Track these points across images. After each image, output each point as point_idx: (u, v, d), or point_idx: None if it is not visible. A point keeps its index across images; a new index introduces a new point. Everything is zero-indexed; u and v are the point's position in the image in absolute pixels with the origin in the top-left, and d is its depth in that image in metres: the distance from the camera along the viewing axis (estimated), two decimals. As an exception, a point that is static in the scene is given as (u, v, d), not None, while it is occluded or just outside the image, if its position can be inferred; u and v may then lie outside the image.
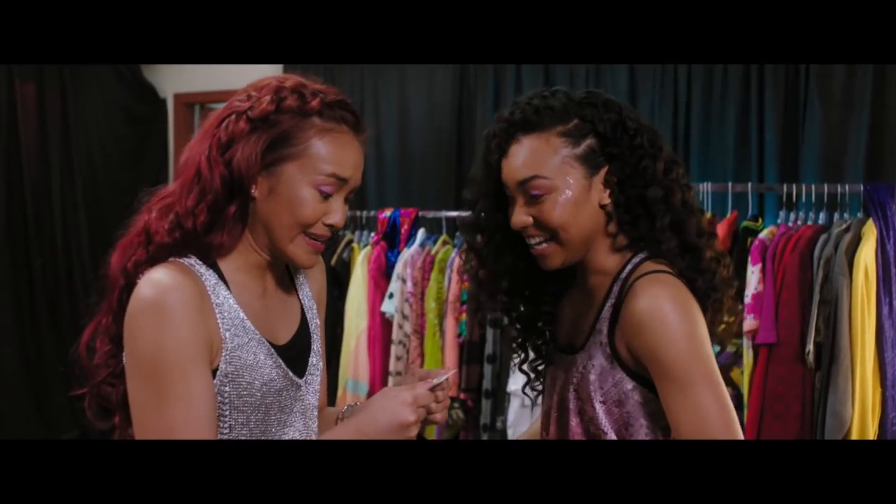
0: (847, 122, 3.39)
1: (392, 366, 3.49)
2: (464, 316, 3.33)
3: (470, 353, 3.31)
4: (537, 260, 1.30)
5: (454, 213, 3.74)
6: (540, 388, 1.47)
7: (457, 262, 3.40)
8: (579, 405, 1.30)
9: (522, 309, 1.43)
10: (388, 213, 3.72)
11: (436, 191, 4.14)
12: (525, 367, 1.49)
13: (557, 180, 1.24)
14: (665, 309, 1.18)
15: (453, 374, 1.21)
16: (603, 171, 1.26)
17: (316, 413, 1.30)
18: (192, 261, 1.14)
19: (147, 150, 5.04)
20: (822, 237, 2.68)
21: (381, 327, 3.58)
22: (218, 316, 1.13)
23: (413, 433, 1.13)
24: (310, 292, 1.34)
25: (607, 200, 1.26)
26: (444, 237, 3.59)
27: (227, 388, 1.13)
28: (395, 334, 3.48)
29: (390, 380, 3.50)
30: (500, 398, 3.20)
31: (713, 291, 1.27)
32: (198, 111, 5.11)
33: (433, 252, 3.50)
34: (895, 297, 2.63)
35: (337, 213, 1.17)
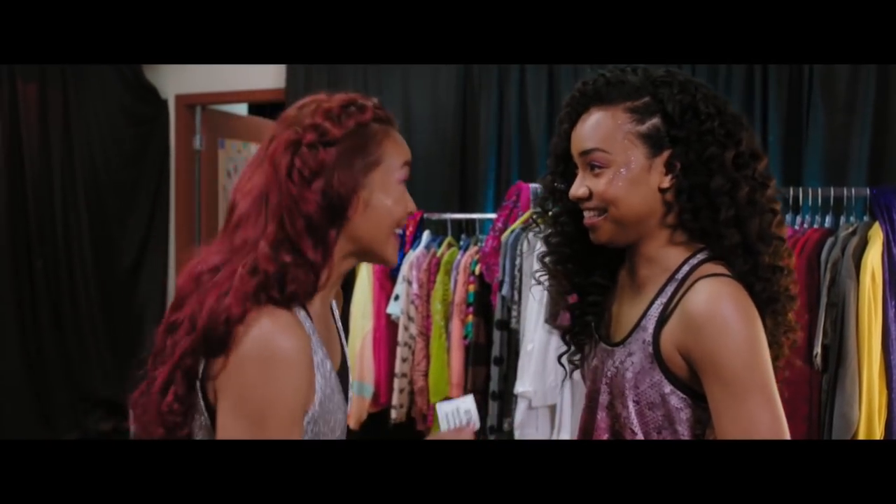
0: (850, 125, 3.40)
1: (398, 367, 3.50)
2: (470, 318, 3.33)
3: (476, 354, 3.31)
4: (588, 232, 1.29)
5: (459, 216, 3.75)
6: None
7: (463, 263, 3.41)
8: (609, 399, 1.29)
9: (569, 293, 1.40)
10: (392, 214, 3.71)
11: (440, 193, 4.14)
12: (564, 359, 1.46)
13: (617, 155, 1.22)
14: (727, 312, 1.14)
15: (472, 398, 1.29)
16: (666, 154, 1.22)
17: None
18: (302, 313, 1.13)
19: (148, 151, 5.03)
20: (829, 240, 2.70)
21: (387, 329, 3.58)
22: (315, 359, 1.12)
23: None
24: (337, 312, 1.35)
25: (668, 184, 1.22)
26: (449, 239, 3.60)
27: (308, 433, 1.13)
28: (401, 336, 3.49)
29: (395, 382, 3.50)
30: (506, 400, 3.21)
31: (773, 301, 1.22)
32: (199, 112, 5.10)
33: (439, 254, 3.51)
34: (901, 300, 2.66)
35: (410, 200, 1.23)
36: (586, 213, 1.28)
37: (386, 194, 1.18)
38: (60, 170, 4.70)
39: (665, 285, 1.25)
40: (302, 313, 1.13)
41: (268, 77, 4.59)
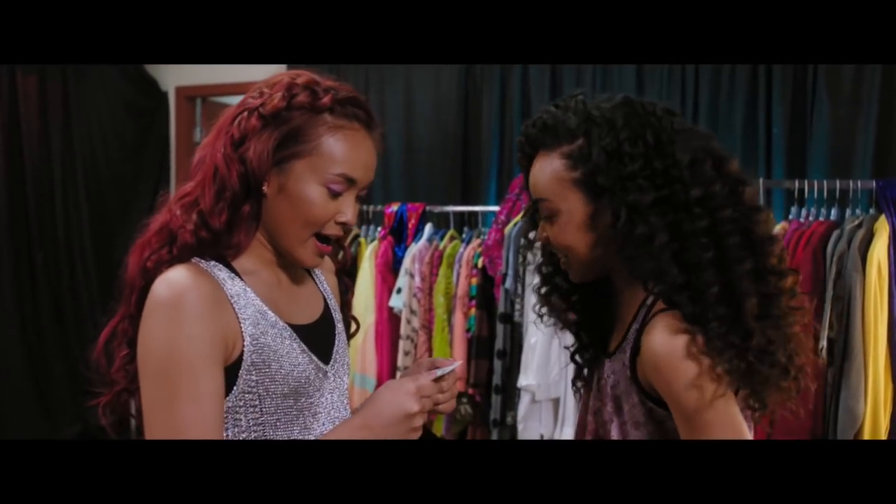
0: (855, 118, 3.38)
1: (400, 360, 3.49)
2: (472, 311, 3.32)
3: (478, 348, 3.30)
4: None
5: (461, 208, 3.74)
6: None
7: (465, 256, 3.39)
8: (597, 405, 1.29)
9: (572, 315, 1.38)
10: (394, 207, 3.71)
11: (442, 185, 4.13)
12: (579, 383, 1.44)
13: (560, 204, 1.20)
14: (674, 350, 1.11)
15: (459, 364, 1.22)
16: (606, 198, 1.17)
17: (346, 402, 1.29)
18: (210, 264, 1.14)
19: (148, 144, 5.01)
20: (835, 233, 2.68)
21: (389, 322, 3.57)
22: (235, 307, 1.12)
23: (418, 423, 1.13)
24: (328, 287, 1.34)
25: (610, 233, 1.17)
26: (451, 232, 3.59)
27: (254, 377, 1.13)
28: (403, 329, 3.47)
29: (398, 375, 3.49)
30: (510, 393, 3.20)
31: (722, 336, 1.11)
32: (199, 104, 5.07)
33: (441, 247, 3.50)
34: (907, 293, 2.65)
35: (348, 211, 1.17)
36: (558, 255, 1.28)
37: (304, 190, 1.13)
38: (60, 163, 4.68)
39: (638, 310, 1.22)
40: (211, 263, 1.13)
41: (269, 68, 4.56)
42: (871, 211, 2.74)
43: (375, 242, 3.66)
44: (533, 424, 3.10)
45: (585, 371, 1.40)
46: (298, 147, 1.13)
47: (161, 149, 5.04)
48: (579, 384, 1.42)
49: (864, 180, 2.85)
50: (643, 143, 1.15)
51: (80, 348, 4.83)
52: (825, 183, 2.85)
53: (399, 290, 3.50)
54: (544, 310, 1.39)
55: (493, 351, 3.26)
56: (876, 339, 2.56)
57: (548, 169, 1.21)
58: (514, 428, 3.17)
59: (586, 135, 1.17)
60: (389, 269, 3.60)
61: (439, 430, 3.44)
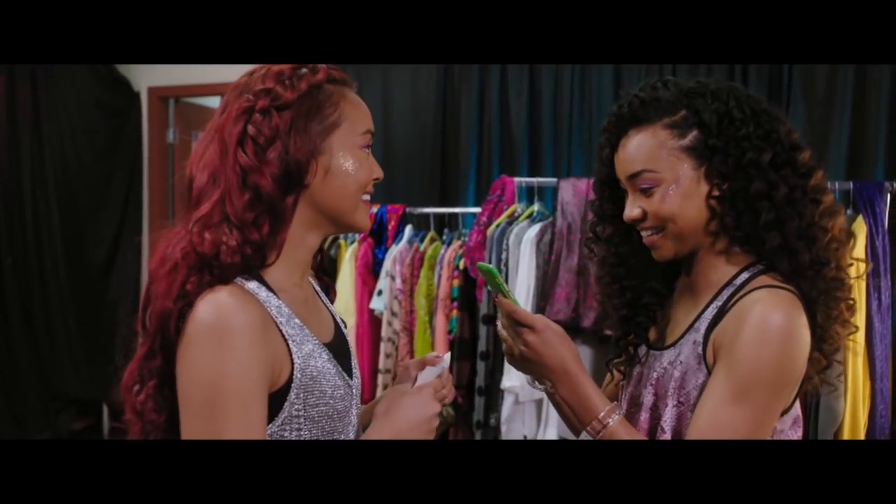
0: (829, 120, 3.44)
1: (381, 363, 3.47)
2: (454, 313, 3.32)
3: (461, 349, 3.30)
4: (651, 251, 1.29)
5: (441, 210, 3.73)
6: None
7: (447, 258, 3.39)
8: (653, 401, 1.28)
9: (626, 304, 1.39)
10: (374, 209, 3.69)
11: (421, 187, 4.12)
12: (612, 364, 1.43)
13: (666, 173, 1.23)
14: (776, 324, 1.14)
15: (447, 356, 1.24)
16: (709, 164, 1.23)
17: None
18: (252, 284, 1.10)
19: (120, 145, 4.94)
20: (814, 234, 2.72)
21: (370, 324, 3.55)
22: (282, 328, 1.09)
23: (436, 423, 1.16)
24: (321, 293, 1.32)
25: (715, 193, 1.23)
26: (432, 234, 3.58)
27: (301, 401, 1.09)
28: (385, 331, 3.46)
29: (379, 377, 3.48)
30: (493, 395, 3.20)
31: (822, 295, 1.20)
32: (172, 105, 5.01)
33: (422, 249, 3.48)
34: (884, 293, 2.69)
35: (376, 165, 1.18)
36: (644, 233, 1.28)
37: (347, 159, 1.13)
38: (30, 164, 4.59)
39: (722, 289, 1.25)
40: (253, 283, 1.09)
41: (243, 68, 4.50)
42: (849, 212, 2.79)
43: (355, 245, 3.64)
44: (516, 426, 3.10)
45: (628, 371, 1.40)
46: (327, 122, 1.13)
47: (133, 150, 4.98)
48: (623, 368, 1.41)
49: (840, 181, 2.89)
50: (749, 109, 1.22)
51: (51, 354, 4.74)
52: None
53: (380, 293, 3.48)
54: (602, 297, 1.41)
55: (476, 352, 3.26)
56: (854, 338, 2.60)
57: (649, 140, 1.24)
58: (497, 429, 3.17)
59: (689, 106, 1.23)
60: (370, 272, 3.58)
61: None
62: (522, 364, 1.27)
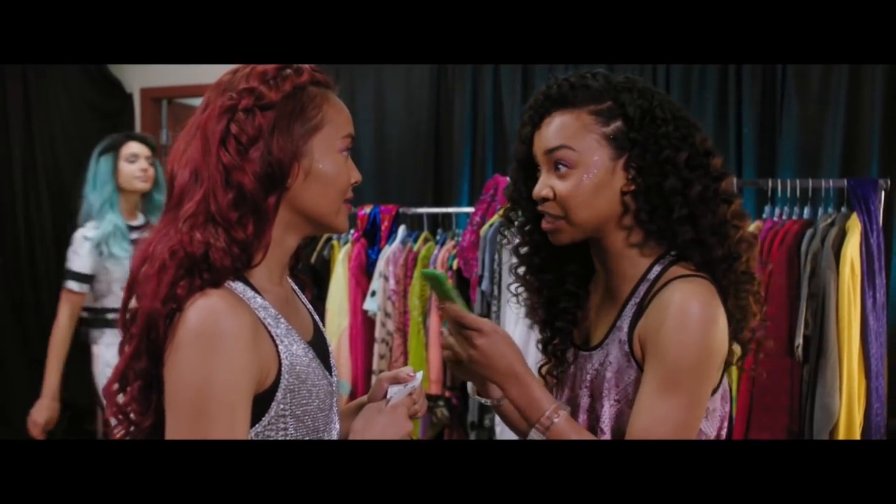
0: (823, 118, 3.44)
1: (375, 364, 3.45)
2: (448, 313, 3.30)
3: (455, 350, 3.28)
4: (548, 234, 1.31)
5: (434, 210, 3.71)
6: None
7: (440, 258, 3.37)
8: (590, 402, 1.31)
9: (544, 306, 1.41)
10: (367, 209, 3.67)
11: (414, 187, 4.10)
12: (544, 370, 1.46)
13: (584, 154, 1.25)
14: (694, 312, 1.18)
15: (420, 374, 1.26)
16: (626, 156, 1.25)
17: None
18: (239, 286, 1.09)
19: (113, 146, 4.91)
20: (809, 231, 2.71)
21: (364, 326, 3.53)
22: (271, 330, 1.08)
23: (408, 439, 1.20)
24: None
25: (628, 187, 1.26)
26: (425, 234, 3.56)
27: (287, 401, 1.09)
28: (378, 332, 3.44)
29: (373, 379, 3.46)
30: (487, 396, 3.18)
31: (732, 286, 1.25)
32: (165, 106, 4.98)
33: (415, 249, 3.47)
34: (878, 291, 2.68)
35: (355, 169, 1.19)
36: (546, 218, 1.29)
37: (328, 163, 1.13)
38: (21, 165, 4.57)
39: (637, 285, 1.28)
40: (239, 285, 1.09)
41: (236, 68, 4.50)
42: (843, 209, 2.78)
43: (348, 245, 3.62)
44: (511, 426, 3.08)
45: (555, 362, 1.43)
46: (310, 125, 1.12)
47: (126, 151, 4.94)
48: (555, 372, 1.44)
49: (835, 179, 2.88)
50: (670, 111, 1.26)
51: (42, 355, 4.71)
52: (798, 182, 2.87)
53: (373, 293, 3.46)
54: (521, 288, 1.42)
55: (470, 353, 3.24)
56: (850, 336, 2.59)
57: (574, 122, 1.26)
58: (491, 430, 3.15)
59: (615, 99, 1.26)
60: (363, 272, 3.56)
61: (416, 433, 3.42)
62: (470, 369, 1.28)
